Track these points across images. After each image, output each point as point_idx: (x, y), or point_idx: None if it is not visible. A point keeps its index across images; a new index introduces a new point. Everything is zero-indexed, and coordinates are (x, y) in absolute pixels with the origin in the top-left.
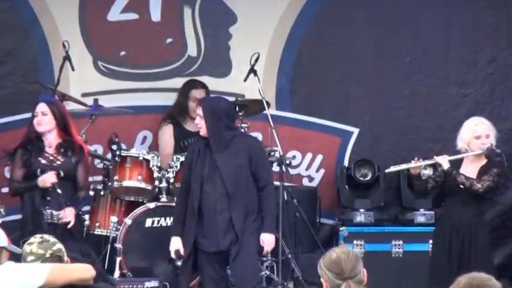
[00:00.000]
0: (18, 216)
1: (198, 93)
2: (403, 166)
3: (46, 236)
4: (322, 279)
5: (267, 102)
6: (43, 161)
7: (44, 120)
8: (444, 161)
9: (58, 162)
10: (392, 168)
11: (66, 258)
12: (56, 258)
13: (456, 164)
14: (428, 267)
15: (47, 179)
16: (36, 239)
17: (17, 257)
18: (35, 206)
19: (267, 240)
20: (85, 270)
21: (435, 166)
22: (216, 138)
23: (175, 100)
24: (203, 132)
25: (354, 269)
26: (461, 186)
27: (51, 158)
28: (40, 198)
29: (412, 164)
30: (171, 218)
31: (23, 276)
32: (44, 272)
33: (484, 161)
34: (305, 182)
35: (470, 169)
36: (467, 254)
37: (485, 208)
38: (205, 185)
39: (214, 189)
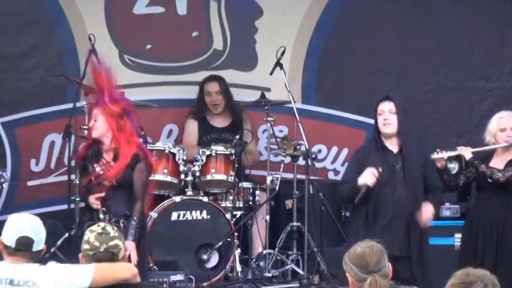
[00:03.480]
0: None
1: (210, 87)
2: None
3: (108, 228)
4: (347, 275)
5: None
6: (97, 169)
7: (95, 126)
8: (467, 152)
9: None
10: None
11: (121, 254)
12: (109, 254)
13: (485, 158)
14: (457, 263)
15: (92, 203)
16: (98, 228)
17: None
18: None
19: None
20: (127, 270)
21: (460, 160)
22: (407, 137)
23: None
24: (393, 129)
25: (378, 263)
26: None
27: (105, 165)
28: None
29: (434, 155)
30: (197, 212)
31: (67, 277)
32: (89, 275)
33: None
34: (331, 175)
35: (498, 162)
36: (493, 250)
37: None
38: (384, 188)
39: (394, 192)
